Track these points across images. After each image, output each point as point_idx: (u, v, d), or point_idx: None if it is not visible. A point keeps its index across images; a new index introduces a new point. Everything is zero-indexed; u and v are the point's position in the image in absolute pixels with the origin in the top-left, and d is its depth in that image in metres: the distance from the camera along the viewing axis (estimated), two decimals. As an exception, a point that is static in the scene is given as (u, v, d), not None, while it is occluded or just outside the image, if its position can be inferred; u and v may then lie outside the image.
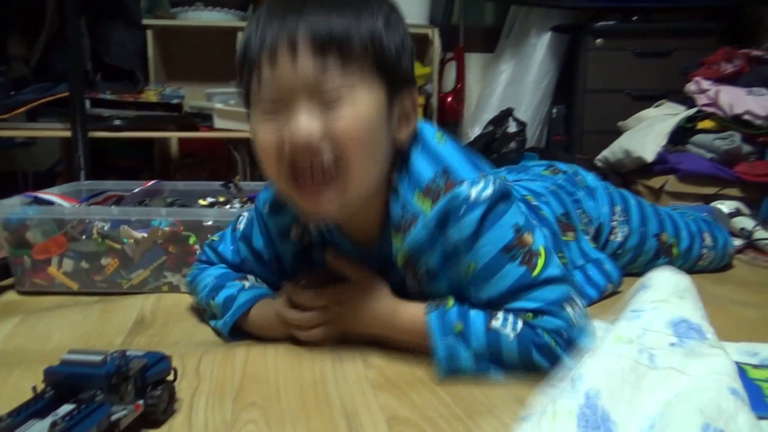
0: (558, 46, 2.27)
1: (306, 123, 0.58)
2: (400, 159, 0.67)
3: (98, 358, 0.50)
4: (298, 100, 0.59)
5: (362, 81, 0.60)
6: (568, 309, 0.63)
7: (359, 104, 0.60)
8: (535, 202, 0.88)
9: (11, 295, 0.94)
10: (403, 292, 0.70)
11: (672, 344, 0.52)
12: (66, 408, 0.48)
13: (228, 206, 1.13)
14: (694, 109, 1.69)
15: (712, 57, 1.77)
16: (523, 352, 0.62)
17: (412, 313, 0.67)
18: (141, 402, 0.51)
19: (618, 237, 1.00)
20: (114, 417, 0.48)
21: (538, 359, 0.62)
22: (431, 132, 0.68)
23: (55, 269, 0.94)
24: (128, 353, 0.53)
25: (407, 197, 0.65)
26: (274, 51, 0.58)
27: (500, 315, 0.64)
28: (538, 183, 0.95)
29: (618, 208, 1.00)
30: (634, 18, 2.14)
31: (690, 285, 0.63)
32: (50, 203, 1.01)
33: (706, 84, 1.69)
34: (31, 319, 0.83)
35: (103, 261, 0.94)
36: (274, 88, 0.60)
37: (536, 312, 0.62)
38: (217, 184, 1.21)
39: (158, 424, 0.53)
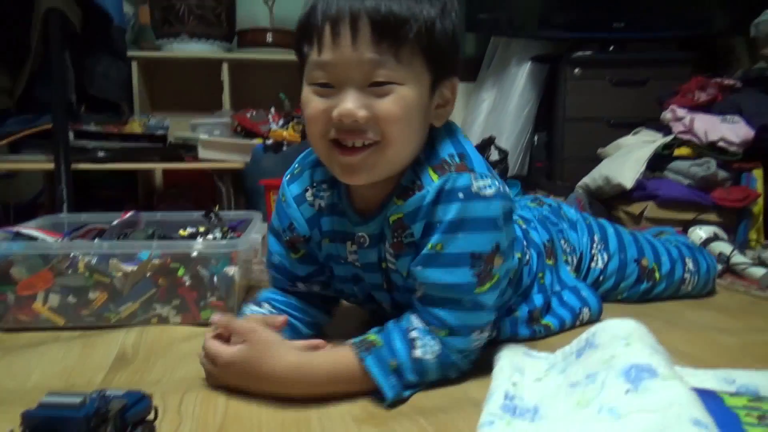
0: (538, 75, 2.33)
1: (355, 107, 0.63)
2: (429, 140, 0.71)
3: (77, 400, 0.49)
4: (350, 83, 0.63)
5: (412, 67, 0.64)
6: (475, 335, 0.70)
7: (405, 92, 0.64)
8: (524, 226, 0.93)
9: (-10, 332, 0.93)
10: (372, 267, 0.76)
11: (627, 391, 0.55)
12: None
13: (209, 236, 1.13)
14: (671, 137, 1.74)
15: (686, 86, 1.82)
16: (441, 371, 0.69)
17: (335, 360, 0.66)
18: None
19: (599, 264, 1.03)
20: None
21: (451, 374, 0.70)
22: (459, 128, 0.75)
23: (40, 305, 0.93)
24: (108, 393, 0.53)
25: (422, 171, 0.69)
26: (337, 25, 0.62)
27: (418, 337, 0.67)
28: (526, 211, 1.00)
29: (596, 237, 1.04)
30: (611, 48, 2.21)
31: (633, 327, 0.67)
32: (33, 238, 1.00)
33: (681, 112, 1.74)
34: (9, 357, 0.82)
35: (91, 295, 0.93)
36: (330, 64, 0.63)
37: (451, 331, 0.68)
38: (193, 214, 1.22)
39: None
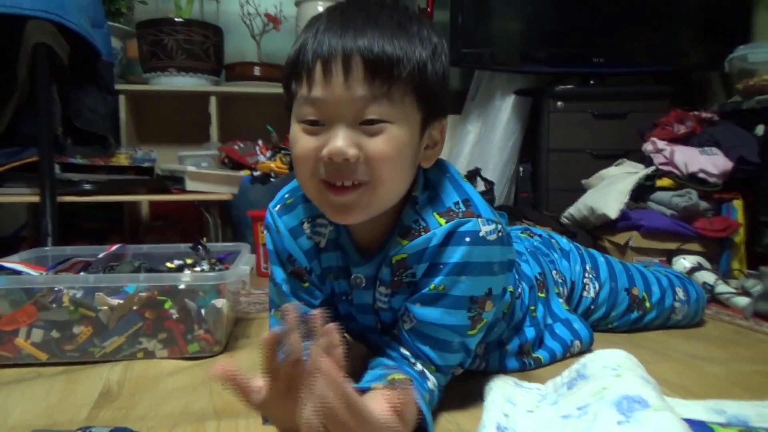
0: (522, 107, 2.37)
1: (345, 145, 0.61)
2: (424, 179, 0.71)
3: None
4: (340, 120, 0.62)
5: (403, 106, 0.63)
6: (454, 370, 0.73)
7: (395, 131, 0.63)
8: (516, 260, 0.92)
9: (-30, 369, 0.91)
10: (366, 308, 0.76)
11: (619, 422, 0.56)
12: None
13: (197, 268, 1.12)
14: (652, 168, 1.77)
15: (665, 119, 1.87)
16: (435, 403, 0.70)
17: (383, 400, 0.58)
18: None
19: (590, 293, 1.04)
20: None
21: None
22: (455, 169, 0.75)
23: (22, 340, 0.91)
24: (93, 431, 0.52)
25: (426, 213, 0.69)
26: (328, 64, 0.61)
27: (423, 370, 0.68)
28: (517, 244, 1.00)
29: (588, 266, 1.05)
30: (591, 82, 2.26)
31: (623, 358, 0.68)
32: (17, 272, 0.99)
33: (661, 144, 1.78)
34: (-10, 395, 0.80)
35: (75, 329, 0.92)
36: (321, 101, 0.62)
37: (437, 368, 0.69)
38: (180, 246, 1.21)
39: None
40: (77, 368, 0.90)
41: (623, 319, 1.07)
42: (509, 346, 0.86)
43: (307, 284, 0.77)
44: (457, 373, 0.74)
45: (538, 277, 0.95)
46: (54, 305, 0.91)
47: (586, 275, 1.04)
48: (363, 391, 0.61)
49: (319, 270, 0.77)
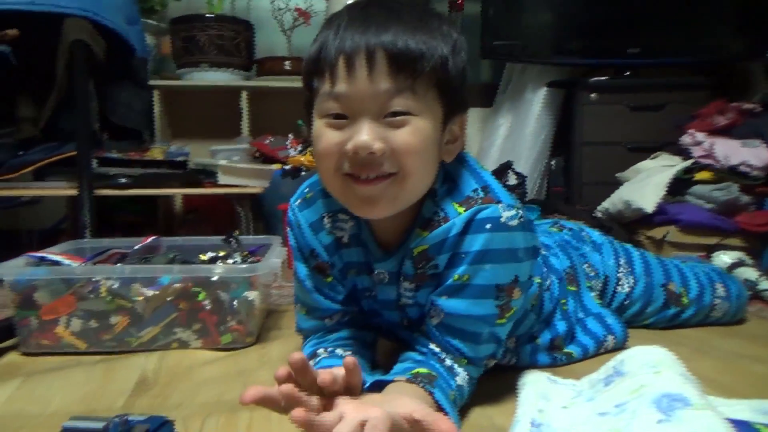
0: (554, 100, 2.33)
1: (370, 138, 0.61)
2: (443, 172, 0.70)
3: (99, 425, 0.50)
4: (365, 114, 0.62)
5: (426, 100, 0.63)
6: (486, 362, 0.71)
7: (420, 123, 0.63)
8: (544, 252, 0.92)
9: (14, 356, 0.93)
10: (390, 305, 0.76)
11: (659, 421, 0.54)
12: None
13: (229, 260, 1.13)
14: (691, 161, 1.72)
15: (704, 110, 1.81)
16: (466, 398, 0.69)
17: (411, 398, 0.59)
18: None
19: (624, 288, 1.01)
20: None
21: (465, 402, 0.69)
22: (473, 159, 0.74)
23: (62, 329, 0.93)
24: (130, 419, 0.53)
25: (445, 204, 0.69)
26: (351, 59, 0.61)
27: (453, 365, 0.68)
28: (546, 238, 0.98)
29: (622, 261, 1.02)
30: (626, 74, 2.21)
31: (663, 355, 0.66)
32: (57, 263, 1.01)
33: (700, 136, 1.72)
34: (32, 381, 0.82)
35: (113, 319, 0.94)
36: (345, 95, 0.62)
37: (469, 361, 0.69)
38: (213, 239, 1.22)
39: None
40: (114, 357, 0.92)
41: (660, 316, 1.04)
42: (540, 341, 0.84)
43: (330, 279, 0.77)
44: (489, 365, 0.72)
45: (568, 270, 0.93)
46: (92, 295, 0.94)
47: (620, 270, 1.02)
48: (385, 383, 0.62)
49: (340, 264, 0.77)
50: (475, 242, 0.66)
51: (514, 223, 0.66)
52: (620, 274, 1.01)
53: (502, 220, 0.66)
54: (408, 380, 0.63)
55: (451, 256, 0.68)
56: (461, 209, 0.67)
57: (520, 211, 0.67)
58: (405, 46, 0.61)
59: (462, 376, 0.68)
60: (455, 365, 0.68)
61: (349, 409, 0.52)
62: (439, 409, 0.61)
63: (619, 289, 1.01)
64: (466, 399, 0.69)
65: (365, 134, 0.61)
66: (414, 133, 0.62)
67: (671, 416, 0.55)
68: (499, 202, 0.67)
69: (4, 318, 0.98)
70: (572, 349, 0.87)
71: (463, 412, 0.68)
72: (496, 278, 0.67)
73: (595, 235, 1.06)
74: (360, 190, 0.64)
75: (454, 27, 0.67)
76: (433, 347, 0.69)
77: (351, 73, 0.61)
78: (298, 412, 0.49)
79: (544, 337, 0.85)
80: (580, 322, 0.91)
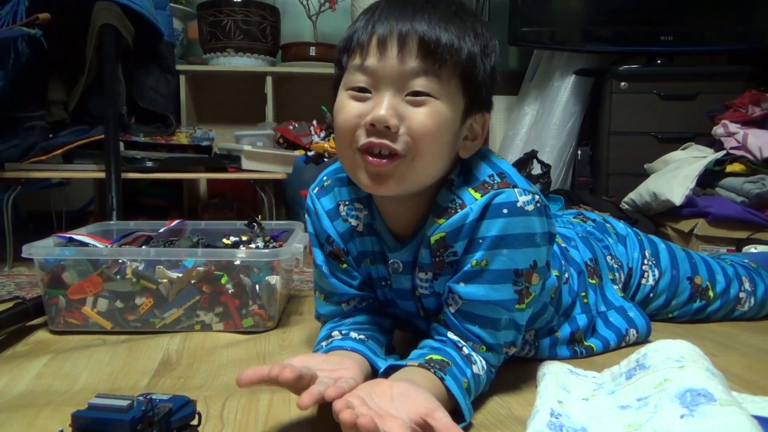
0: (582, 88, 2.29)
1: (388, 114, 0.62)
2: (460, 165, 0.71)
3: (124, 403, 0.51)
4: (388, 89, 0.63)
5: (449, 87, 0.64)
6: (506, 350, 0.71)
7: (439, 107, 0.64)
8: (563, 245, 0.90)
9: (42, 334, 0.96)
10: (406, 294, 0.76)
11: (683, 416, 0.53)
12: None
13: (252, 245, 1.14)
14: (722, 152, 1.68)
15: (738, 100, 1.76)
16: (484, 387, 0.69)
17: (423, 381, 0.61)
18: None
19: (649, 281, 1.00)
20: None
21: (485, 390, 0.69)
22: (490, 150, 0.74)
23: (89, 309, 0.95)
24: (154, 397, 0.54)
25: (461, 191, 0.68)
26: (384, 40, 0.63)
27: (471, 354, 0.68)
28: (568, 229, 0.97)
29: (647, 252, 1.01)
30: (658, 62, 2.15)
31: (687, 349, 0.65)
32: (85, 244, 1.04)
33: (733, 127, 1.68)
34: (60, 359, 0.84)
35: (138, 300, 0.96)
36: (371, 68, 0.64)
37: (488, 347, 0.69)
38: (236, 223, 1.23)
39: None
40: (139, 338, 0.94)
41: (684, 309, 1.02)
42: (560, 334, 0.83)
43: (345, 266, 0.78)
44: (510, 353, 0.72)
45: (589, 263, 0.91)
46: (118, 276, 0.95)
47: (645, 262, 1.00)
48: (399, 368, 0.64)
49: (355, 252, 0.78)
50: (493, 227, 0.65)
51: (531, 207, 0.66)
52: (645, 267, 0.99)
53: (519, 204, 0.65)
54: (420, 365, 0.63)
55: (468, 242, 0.67)
56: (477, 195, 0.67)
57: (537, 196, 0.67)
58: (437, 33, 0.63)
59: (480, 365, 0.67)
60: (473, 353, 0.68)
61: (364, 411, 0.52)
62: (450, 396, 0.61)
63: (643, 281, 0.99)
64: (484, 388, 0.68)
65: (384, 109, 0.62)
66: (432, 114, 0.63)
67: (695, 411, 0.54)
68: (515, 186, 0.66)
69: (34, 296, 1.00)
70: (593, 343, 0.86)
71: (482, 401, 0.68)
72: (514, 263, 0.66)
73: (620, 226, 1.04)
74: (371, 167, 0.65)
75: (490, 30, 0.68)
76: (452, 336, 0.69)
77: (382, 51, 0.63)
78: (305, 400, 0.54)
79: (564, 331, 0.84)
80: (602, 315, 0.89)
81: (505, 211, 0.65)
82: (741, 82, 2.03)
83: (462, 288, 0.67)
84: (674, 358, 0.65)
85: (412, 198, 0.70)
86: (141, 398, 0.52)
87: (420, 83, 0.63)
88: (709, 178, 1.68)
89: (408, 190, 0.67)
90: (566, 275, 0.85)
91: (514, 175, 0.69)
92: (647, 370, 0.66)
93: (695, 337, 0.91)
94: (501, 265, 0.66)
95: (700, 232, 1.55)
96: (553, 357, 0.82)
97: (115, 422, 0.50)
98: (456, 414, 0.60)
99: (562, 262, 0.85)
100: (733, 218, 1.53)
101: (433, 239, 0.69)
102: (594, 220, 1.04)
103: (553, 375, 0.72)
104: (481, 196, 0.66)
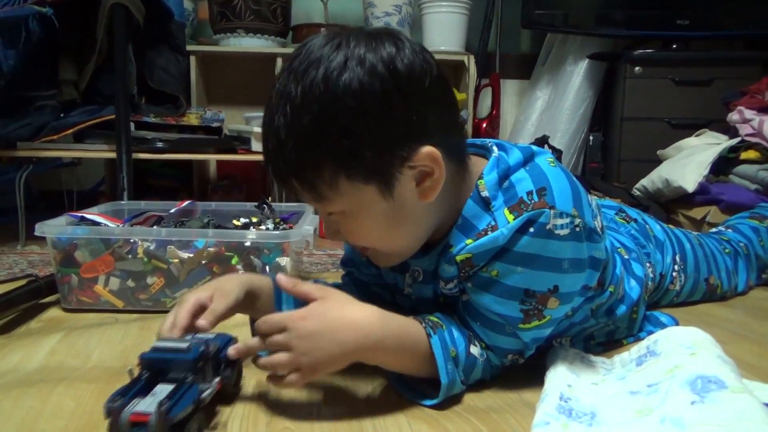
0: (595, 73, 2.26)
1: (328, 234, 0.67)
2: (501, 170, 0.65)
3: (184, 345, 0.58)
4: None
5: (344, 195, 0.60)
6: (510, 356, 0.68)
7: (355, 215, 0.62)
8: (626, 256, 0.86)
9: (55, 312, 0.97)
10: (426, 302, 0.73)
11: (693, 402, 0.53)
12: (161, 388, 0.54)
13: (262, 227, 1.14)
14: (737, 139, 1.66)
15: (755, 86, 1.73)
16: (482, 375, 0.67)
17: (406, 325, 0.63)
18: (218, 379, 0.59)
19: (676, 286, 1.00)
20: (203, 395, 0.56)
21: (486, 378, 0.68)
22: (544, 156, 0.68)
23: (101, 288, 0.96)
24: (204, 337, 0.61)
25: (497, 209, 0.63)
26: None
27: (472, 335, 0.67)
28: (624, 237, 0.93)
29: (678, 258, 0.99)
30: (674, 46, 2.12)
31: (699, 336, 0.65)
32: (96, 223, 1.04)
33: (749, 113, 1.65)
34: (72, 336, 0.85)
35: (149, 280, 0.96)
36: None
37: (488, 348, 0.67)
38: (246, 205, 1.23)
39: (231, 398, 0.63)
40: (150, 316, 0.95)
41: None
42: (597, 340, 0.81)
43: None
44: (518, 362, 0.69)
45: (642, 279, 0.86)
46: (129, 256, 0.96)
47: (676, 267, 0.98)
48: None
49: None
50: (516, 243, 0.62)
51: (564, 232, 0.61)
52: (675, 273, 0.99)
53: (549, 226, 0.61)
54: (415, 318, 0.64)
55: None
56: (511, 217, 0.62)
57: (577, 220, 0.62)
58: (291, 171, 0.60)
59: (478, 350, 0.66)
60: (476, 342, 0.67)
61: None
62: (431, 354, 0.62)
63: (671, 287, 0.99)
64: (480, 375, 0.67)
65: (324, 228, 0.67)
66: (355, 228, 0.64)
67: (705, 398, 0.54)
68: (552, 207, 0.61)
69: (47, 274, 1.01)
70: (627, 340, 0.84)
71: (490, 385, 0.68)
72: (527, 283, 0.63)
73: (657, 229, 1.00)
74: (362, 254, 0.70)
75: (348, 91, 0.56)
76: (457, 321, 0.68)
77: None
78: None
79: (601, 338, 0.82)
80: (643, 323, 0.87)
81: (531, 230, 0.61)
82: (758, 67, 1.99)
83: (470, 290, 0.66)
84: (686, 345, 0.64)
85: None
86: (195, 340, 0.59)
87: (325, 208, 0.63)
88: (722, 165, 1.66)
89: (407, 256, 0.69)
90: (621, 290, 0.80)
91: (556, 190, 0.62)
92: (658, 357, 0.66)
93: (706, 325, 0.90)
94: (512, 281, 0.63)
95: (712, 220, 1.54)
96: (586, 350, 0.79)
97: (179, 361, 0.56)
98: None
99: (620, 278, 0.79)
100: (746, 206, 1.51)
101: (458, 258, 0.65)
102: (635, 220, 0.99)
103: (563, 359, 0.72)
104: (514, 219, 0.61)
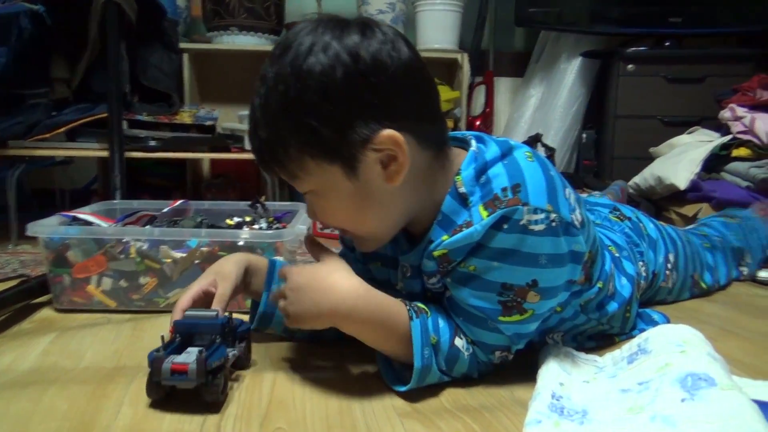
0: (588, 71, 2.27)
1: (309, 214, 0.70)
2: (479, 164, 0.66)
3: (213, 313, 0.67)
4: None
5: (312, 174, 0.63)
6: (498, 353, 0.69)
7: (326, 194, 0.65)
8: (617, 255, 0.87)
9: (48, 312, 0.97)
10: (417, 297, 0.73)
11: (684, 400, 0.53)
12: (192, 349, 0.62)
13: (255, 226, 1.14)
14: (729, 137, 1.67)
15: (747, 84, 1.74)
16: (468, 369, 0.68)
17: (390, 304, 0.65)
18: (239, 347, 0.69)
19: (668, 284, 1.01)
20: (229, 355, 0.65)
21: (473, 374, 0.69)
22: (522, 150, 0.68)
23: (93, 288, 0.96)
24: (224, 314, 0.70)
25: (473, 205, 0.64)
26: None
27: (459, 329, 0.68)
28: (617, 234, 0.93)
29: (671, 257, 1.00)
30: (667, 44, 2.13)
31: (689, 334, 0.66)
32: (89, 223, 1.04)
33: (741, 111, 1.66)
34: (65, 336, 0.85)
35: (142, 280, 0.96)
36: None
37: (474, 343, 0.68)
38: (240, 204, 1.23)
39: (245, 367, 0.72)
40: (143, 317, 0.94)
41: (680, 298, 1.07)
42: (588, 334, 0.82)
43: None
44: (508, 359, 0.70)
45: (634, 277, 0.86)
46: (122, 256, 0.96)
47: (668, 266, 0.99)
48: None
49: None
50: (491, 240, 0.63)
51: (540, 227, 0.62)
52: (668, 271, 1.00)
53: (522, 222, 0.62)
54: (402, 300, 0.66)
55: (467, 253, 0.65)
56: (485, 213, 0.63)
57: (552, 215, 0.63)
58: (260, 151, 0.65)
59: (464, 343, 0.67)
60: (462, 335, 0.67)
61: None
62: (410, 337, 0.63)
63: (663, 284, 1.00)
64: (466, 369, 0.68)
65: (306, 210, 0.70)
66: (327, 208, 0.67)
67: (696, 395, 0.54)
68: (526, 204, 0.62)
69: (39, 274, 1.01)
70: (619, 337, 0.84)
71: (482, 383, 0.69)
72: (504, 278, 0.64)
73: (650, 227, 1.01)
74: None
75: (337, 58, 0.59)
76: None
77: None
78: None
79: (593, 336, 0.82)
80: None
81: (506, 226, 0.62)
82: (750, 65, 2.01)
83: (450, 285, 0.67)
84: (676, 343, 0.65)
85: (422, 208, 0.68)
86: (217, 311, 0.68)
87: (299, 187, 0.66)
88: (714, 162, 1.67)
89: (386, 240, 0.70)
90: (611, 286, 0.80)
91: (531, 187, 0.63)
92: (649, 355, 0.66)
93: (696, 322, 0.92)
94: (490, 276, 0.64)
95: (703, 217, 1.55)
96: (580, 346, 0.80)
97: (209, 325, 0.66)
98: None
99: (610, 274, 0.79)
100: (738, 203, 1.52)
101: (435, 254, 0.66)
102: (629, 219, 1.00)
103: (554, 357, 0.72)
104: (489, 215, 0.62)
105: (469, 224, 0.63)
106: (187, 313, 0.68)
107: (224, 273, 0.76)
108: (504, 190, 0.63)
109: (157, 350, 0.61)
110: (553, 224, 0.63)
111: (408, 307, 0.65)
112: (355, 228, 0.68)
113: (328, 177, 0.63)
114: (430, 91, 0.67)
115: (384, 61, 0.60)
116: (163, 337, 0.64)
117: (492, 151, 0.67)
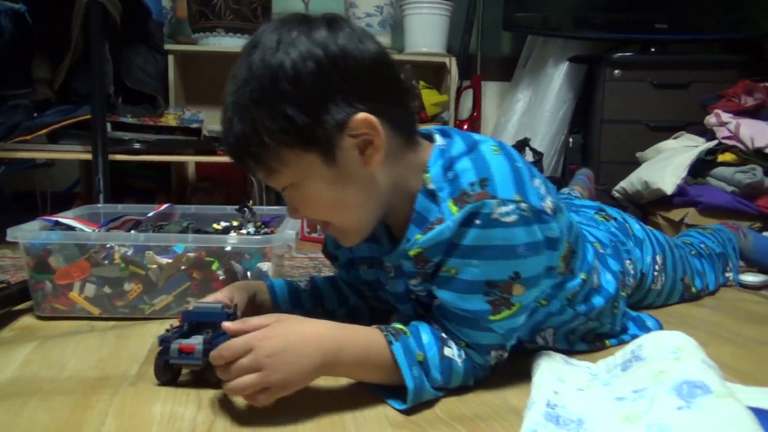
0: (575, 75, 2.28)
1: (288, 211, 0.70)
2: (444, 160, 0.67)
3: (219, 306, 0.70)
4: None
5: (288, 166, 0.63)
6: (494, 353, 0.69)
7: (304, 186, 0.65)
8: (601, 251, 0.87)
9: (29, 320, 0.94)
10: (402, 297, 0.75)
11: (680, 408, 0.53)
12: (199, 336, 0.66)
13: (243, 230, 1.12)
14: (714, 142, 1.68)
15: (732, 90, 1.76)
16: (465, 377, 0.67)
17: (367, 338, 0.64)
18: None
19: (657, 285, 1.01)
20: None
21: (470, 382, 0.69)
22: (488, 143, 0.68)
23: (76, 294, 0.93)
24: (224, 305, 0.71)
25: (443, 201, 0.65)
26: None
27: (447, 338, 0.67)
28: (601, 232, 0.93)
29: (659, 258, 1.00)
30: (653, 49, 2.15)
31: (683, 341, 0.66)
32: (71, 228, 1.01)
33: (726, 116, 1.68)
34: (47, 345, 0.83)
35: (126, 286, 0.94)
36: None
37: (468, 345, 0.67)
38: (227, 208, 1.21)
39: None
40: (128, 324, 0.92)
41: (670, 302, 1.08)
42: (579, 333, 0.81)
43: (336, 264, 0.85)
44: (503, 356, 0.70)
45: (619, 274, 0.87)
46: (106, 262, 0.93)
47: (656, 267, 0.99)
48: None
49: (344, 259, 0.80)
50: (465, 237, 0.63)
51: (512, 218, 0.62)
52: (656, 272, 1.00)
53: (494, 216, 0.62)
54: (377, 328, 0.65)
55: (444, 252, 0.65)
56: (455, 209, 0.63)
57: (522, 204, 0.63)
58: (235, 147, 0.64)
59: (454, 351, 0.66)
60: (453, 342, 0.67)
61: None
62: (395, 361, 0.62)
63: (653, 286, 1.00)
64: (462, 378, 0.67)
65: (287, 209, 0.70)
66: (307, 200, 0.66)
67: (692, 403, 0.54)
68: (494, 197, 0.62)
69: (19, 281, 0.98)
70: (610, 341, 0.84)
71: (476, 392, 0.68)
72: (486, 275, 0.63)
73: (636, 227, 1.01)
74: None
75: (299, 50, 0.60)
76: (435, 324, 0.69)
77: None
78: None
79: (585, 333, 0.82)
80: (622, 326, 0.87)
81: (477, 221, 0.62)
82: (735, 71, 2.03)
83: (436, 291, 0.67)
84: (670, 350, 0.65)
85: (396, 206, 0.69)
86: (223, 304, 0.71)
87: (276, 183, 0.66)
88: (700, 167, 1.68)
89: (367, 233, 0.70)
90: (596, 280, 0.80)
91: (498, 180, 0.63)
92: (643, 362, 0.66)
93: (686, 327, 0.92)
94: (470, 275, 0.63)
95: (690, 221, 1.56)
96: (571, 350, 0.80)
97: (216, 314, 0.68)
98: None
99: (592, 266, 0.79)
100: (724, 208, 1.54)
101: (411, 253, 0.67)
102: (615, 219, 1.00)
103: (548, 365, 0.72)
104: (458, 210, 0.63)
105: (440, 221, 0.64)
106: (195, 304, 0.71)
107: (238, 286, 0.80)
108: (472, 184, 0.64)
109: (166, 331, 0.67)
110: (524, 213, 0.63)
111: (384, 333, 0.65)
112: (337, 217, 0.68)
113: (306, 166, 0.63)
114: (397, 81, 0.68)
115: (352, 51, 0.62)
116: (171, 325, 0.69)
117: (458, 145, 0.68)
